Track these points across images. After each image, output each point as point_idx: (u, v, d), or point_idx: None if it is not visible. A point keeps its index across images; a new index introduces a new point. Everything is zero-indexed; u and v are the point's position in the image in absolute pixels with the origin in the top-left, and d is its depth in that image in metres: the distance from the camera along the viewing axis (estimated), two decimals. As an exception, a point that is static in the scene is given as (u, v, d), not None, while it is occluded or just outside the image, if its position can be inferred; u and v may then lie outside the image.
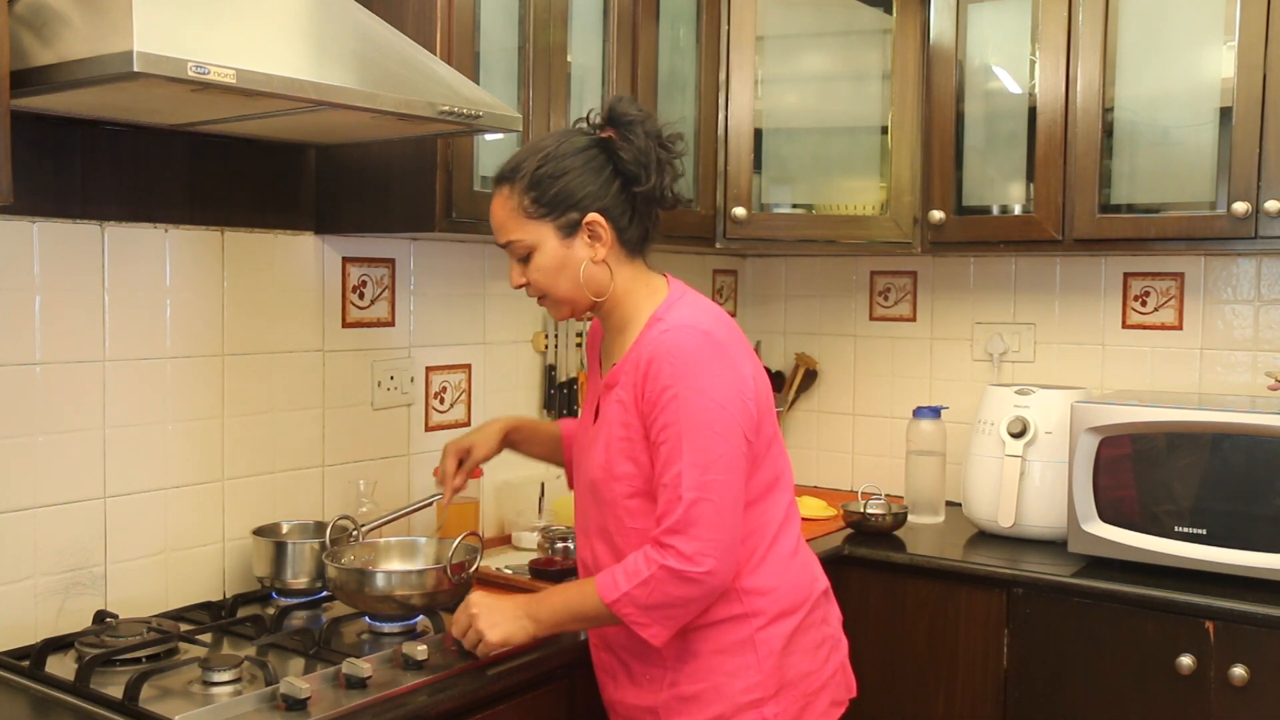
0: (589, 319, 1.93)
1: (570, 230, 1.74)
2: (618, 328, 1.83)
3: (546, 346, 2.84)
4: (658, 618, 1.67)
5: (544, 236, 1.74)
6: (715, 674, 1.75)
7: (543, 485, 2.64)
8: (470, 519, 2.48)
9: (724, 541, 1.65)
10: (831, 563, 2.45)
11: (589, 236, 1.75)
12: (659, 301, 1.78)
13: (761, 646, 1.75)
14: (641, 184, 1.75)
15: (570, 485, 2.08)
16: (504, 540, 2.67)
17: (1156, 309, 2.93)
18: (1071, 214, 2.68)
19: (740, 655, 1.75)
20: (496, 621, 1.77)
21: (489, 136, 2.21)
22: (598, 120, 1.78)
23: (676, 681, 1.77)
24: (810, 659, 1.81)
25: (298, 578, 2.11)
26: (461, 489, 2.06)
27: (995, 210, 2.85)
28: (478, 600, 1.81)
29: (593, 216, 1.74)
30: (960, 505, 2.88)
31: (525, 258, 1.77)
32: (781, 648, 1.76)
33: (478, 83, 2.14)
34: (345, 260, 2.38)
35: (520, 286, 1.81)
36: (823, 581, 1.89)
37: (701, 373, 1.67)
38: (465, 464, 2.04)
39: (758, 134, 2.82)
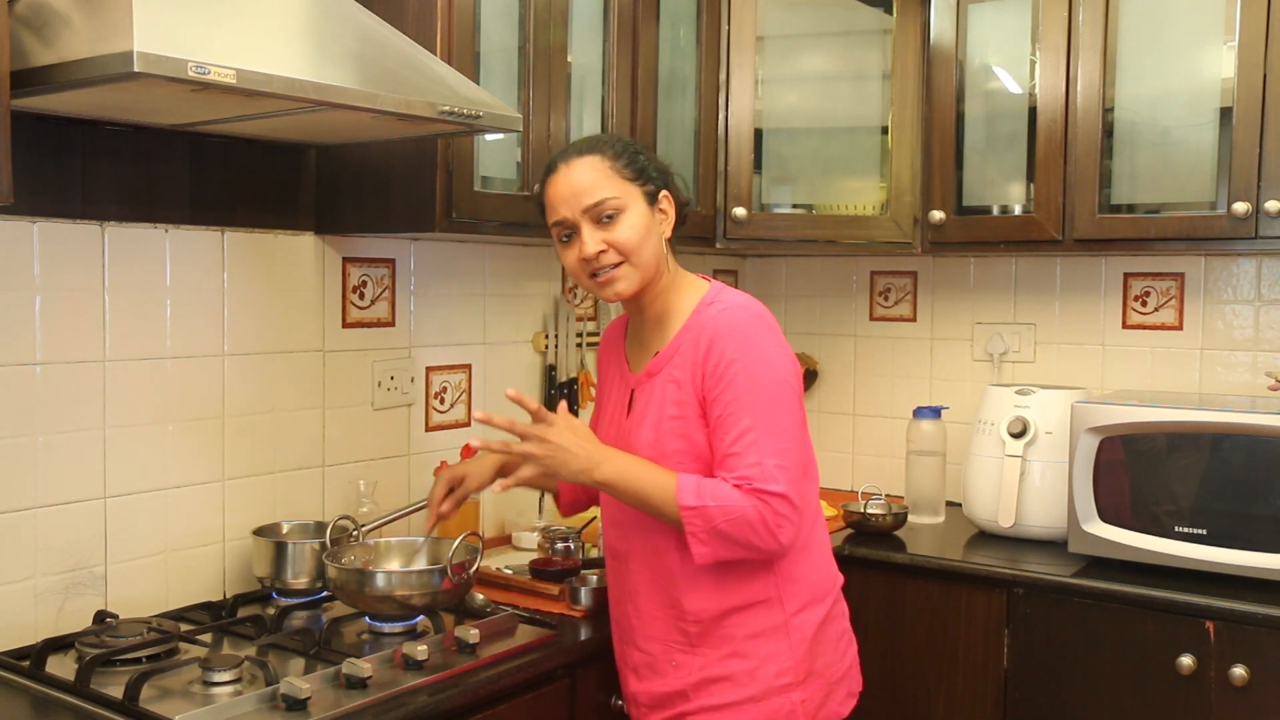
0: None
1: (652, 200, 1.82)
2: (657, 319, 1.86)
3: (546, 346, 2.84)
4: (718, 545, 1.69)
5: (635, 199, 1.79)
6: (750, 658, 1.78)
7: (543, 485, 2.64)
8: (470, 519, 2.48)
9: (800, 513, 1.71)
10: (831, 563, 2.46)
11: (660, 212, 1.83)
12: (702, 292, 1.84)
13: (795, 633, 1.79)
14: (682, 191, 1.88)
15: (562, 512, 2.13)
16: (504, 540, 2.67)
17: (1157, 309, 2.93)
18: (1072, 214, 2.68)
19: (774, 640, 1.78)
20: (565, 462, 1.72)
21: (489, 136, 2.21)
22: None
23: (707, 665, 1.80)
24: (833, 649, 1.86)
25: (298, 578, 2.11)
26: (448, 516, 2.03)
27: (995, 210, 2.85)
28: (569, 430, 1.73)
29: (666, 193, 1.83)
30: (960, 505, 2.88)
31: (610, 217, 1.77)
32: (813, 635, 1.81)
33: (478, 83, 2.14)
34: (345, 260, 2.38)
35: (593, 258, 1.77)
36: (840, 575, 1.95)
37: (763, 346, 1.74)
38: (456, 492, 2.02)
39: (758, 134, 2.82)
